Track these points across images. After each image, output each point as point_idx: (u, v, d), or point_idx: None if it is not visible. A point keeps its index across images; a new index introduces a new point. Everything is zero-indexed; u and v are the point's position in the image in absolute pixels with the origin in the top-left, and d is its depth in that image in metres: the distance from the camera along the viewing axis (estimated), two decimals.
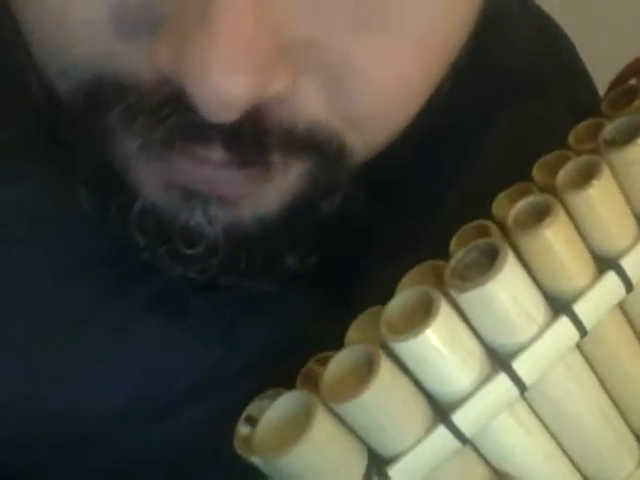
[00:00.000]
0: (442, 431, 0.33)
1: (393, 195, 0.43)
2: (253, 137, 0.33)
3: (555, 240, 0.33)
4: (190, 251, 0.36)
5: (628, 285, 0.34)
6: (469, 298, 0.33)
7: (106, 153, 0.36)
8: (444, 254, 0.35)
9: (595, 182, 0.33)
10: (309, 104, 0.34)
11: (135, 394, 0.42)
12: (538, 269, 0.33)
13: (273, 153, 0.34)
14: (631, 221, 0.34)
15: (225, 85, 0.30)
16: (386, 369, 0.32)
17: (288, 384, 0.37)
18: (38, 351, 0.41)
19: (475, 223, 0.36)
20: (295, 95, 0.33)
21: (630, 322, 0.36)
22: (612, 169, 0.33)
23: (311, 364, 0.38)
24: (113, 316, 0.42)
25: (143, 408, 0.43)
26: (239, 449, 0.37)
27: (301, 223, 0.37)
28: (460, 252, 0.34)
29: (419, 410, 0.34)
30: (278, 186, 0.36)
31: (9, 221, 0.42)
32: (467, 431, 0.34)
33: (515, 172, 0.44)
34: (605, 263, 0.34)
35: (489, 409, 0.34)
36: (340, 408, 0.33)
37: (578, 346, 0.35)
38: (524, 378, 0.34)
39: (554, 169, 0.37)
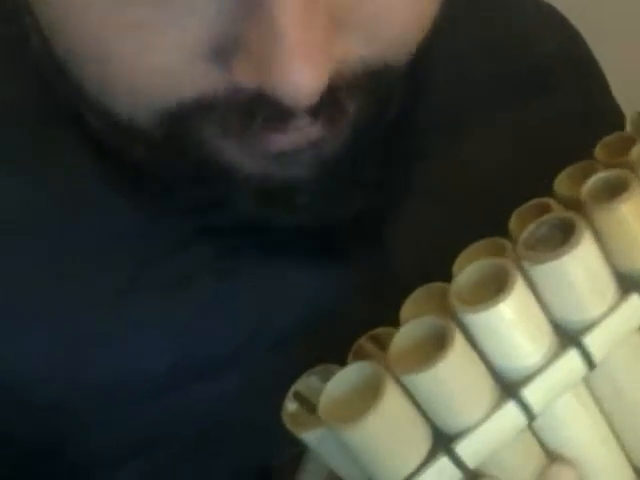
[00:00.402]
0: (511, 407, 0.33)
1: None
2: (330, 100, 0.36)
3: (630, 215, 0.32)
4: (298, 200, 0.40)
5: None
6: (544, 271, 0.32)
7: (202, 163, 0.39)
8: None
9: None
10: (359, 50, 0.37)
11: (178, 357, 0.43)
12: (611, 245, 0.33)
13: (345, 103, 0.38)
14: None
15: (306, 81, 0.33)
16: (459, 342, 0.32)
17: (326, 359, 0.36)
18: (81, 320, 0.42)
19: (535, 201, 0.36)
20: (348, 49, 0.36)
21: None
22: None
23: (363, 341, 0.37)
24: (158, 280, 0.43)
25: (183, 371, 0.43)
26: (288, 425, 0.36)
27: (368, 139, 0.40)
28: (532, 225, 0.34)
29: (488, 385, 0.33)
30: (347, 119, 0.39)
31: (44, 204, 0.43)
32: (535, 407, 0.33)
33: (524, 169, 0.44)
34: None
35: (558, 385, 0.33)
36: (411, 380, 0.32)
37: None
38: (594, 355, 0.33)
39: (616, 151, 0.36)
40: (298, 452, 0.40)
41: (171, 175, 0.41)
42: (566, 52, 0.55)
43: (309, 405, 0.36)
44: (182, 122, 0.37)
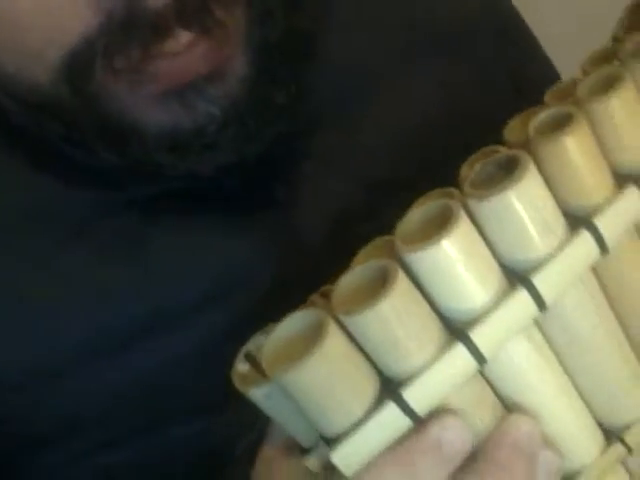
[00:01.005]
0: (459, 350, 0.32)
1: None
2: (196, 6, 0.38)
3: (575, 149, 0.32)
4: (214, 142, 0.41)
5: None
6: (488, 207, 0.31)
7: (105, 107, 0.40)
8: None
9: (619, 92, 0.32)
10: None
11: (107, 322, 0.45)
12: (558, 180, 0.32)
13: (216, 11, 0.39)
14: None
15: None
16: (403, 281, 0.31)
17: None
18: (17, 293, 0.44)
19: (485, 149, 0.35)
20: None
21: None
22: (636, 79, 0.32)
23: (314, 297, 0.36)
24: (86, 246, 0.44)
25: (113, 338, 0.44)
26: (237, 385, 0.35)
27: (270, 60, 0.42)
28: (478, 165, 0.33)
29: (434, 328, 0.32)
30: (237, 40, 0.41)
31: None
32: (485, 350, 0.32)
33: (444, 127, 0.46)
34: (626, 178, 0.33)
35: (508, 327, 0.32)
36: (354, 320, 0.31)
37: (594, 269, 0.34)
38: (544, 295, 0.32)
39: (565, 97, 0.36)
40: (254, 442, 0.39)
41: (85, 142, 0.42)
42: (489, 11, 0.55)
43: (259, 366, 0.35)
44: (77, 69, 0.39)
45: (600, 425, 0.38)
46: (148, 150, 0.42)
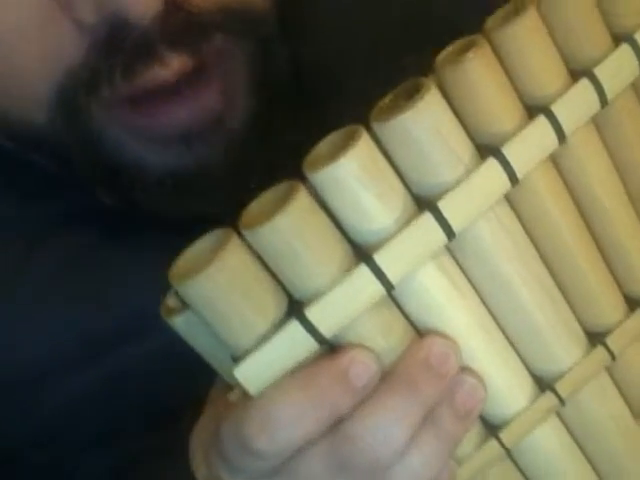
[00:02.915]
0: (363, 272, 0.32)
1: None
2: (188, 23, 0.37)
3: (479, 74, 0.32)
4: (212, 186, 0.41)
5: (560, 134, 0.33)
6: (390, 130, 0.32)
7: (103, 146, 0.40)
8: None
9: (521, 18, 0.32)
10: None
11: (81, 331, 0.45)
12: (464, 107, 0.33)
13: (213, 34, 0.38)
14: (561, 66, 0.34)
15: None
16: (303, 196, 0.32)
17: None
18: None
19: (410, 80, 0.35)
20: None
21: (563, 177, 0.35)
22: (542, 9, 0.33)
23: None
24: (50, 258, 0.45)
25: (89, 345, 0.45)
26: (163, 315, 0.36)
27: (273, 96, 0.41)
28: (389, 95, 0.34)
29: (338, 247, 0.33)
30: (238, 75, 0.40)
31: None
32: (391, 274, 0.32)
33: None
34: (535, 109, 0.33)
35: (415, 252, 0.33)
36: (254, 235, 0.32)
37: (509, 202, 0.34)
38: (451, 221, 0.33)
39: None
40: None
41: (84, 181, 0.43)
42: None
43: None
44: (67, 100, 0.38)
45: (531, 374, 0.38)
46: (148, 192, 0.42)
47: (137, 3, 0.35)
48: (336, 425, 0.33)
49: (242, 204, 0.38)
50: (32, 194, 0.46)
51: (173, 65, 0.38)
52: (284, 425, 0.32)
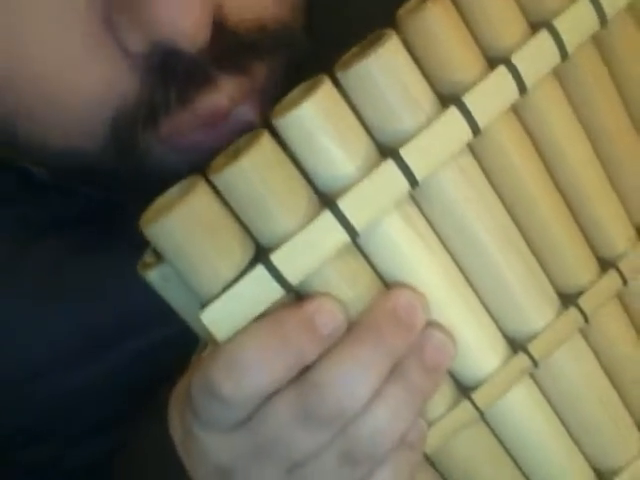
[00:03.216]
0: (327, 218, 0.33)
1: None
2: (234, 44, 0.37)
3: (438, 23, 0.33)
4: None
5: (520, 85, 0.34)
6: (351, 77, 0.33)
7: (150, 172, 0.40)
8: None
9: None
10: (242, 8, 0.38)
11: (64, 339, 0.46)
12: (425, 56, 0.34)
13: (260, 54, 0.39)
14: (520, 17, 0.34)
15: (182, 9, 0.34)
16: (267, 141, 0.32)
17: None
18: None
19: (376, 33, 0.36)
20: (230, 3, 0.37)
21: (526, 129, 0.35)
22: None
23: None
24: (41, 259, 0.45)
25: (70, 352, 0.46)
26: (139, 270, 0.37)
27: None
28: (355, 48, 0.34)
29: (302, 193, 0.33)
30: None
31: None
32: (355, 221, 0.33)
33: None
34: (496, 60, 0.34)
35: (377, 198, 0.33)
36: (220, 179, 0.33)
37: (473, 152, 0.35)
38: (413, 168, 0.33)
39: None
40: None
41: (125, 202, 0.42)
42: None
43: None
44: (123, 134, 0.38)
45: (504, 334, 0.38)
46: None
47: (187, 32, 0.35)
48: (303, 374, 0.34)
49: None
50: (30, 193, 0.47)
51: (227, 88, 0.38)
52: (250, 370, 0.33)
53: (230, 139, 0.36)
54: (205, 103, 0.38)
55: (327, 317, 0.33)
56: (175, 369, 0.39)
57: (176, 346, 0.43)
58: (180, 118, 0.38)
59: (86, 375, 0.47)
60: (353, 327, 0.34)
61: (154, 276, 0.36)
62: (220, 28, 0.36)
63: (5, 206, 0.47)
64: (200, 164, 0.35)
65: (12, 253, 0.46)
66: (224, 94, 0.38)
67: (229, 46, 0.37)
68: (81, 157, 0.40)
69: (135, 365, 0.47)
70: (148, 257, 0.37)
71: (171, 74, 0.36)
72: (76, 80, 0.37)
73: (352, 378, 0.33)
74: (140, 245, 0.42)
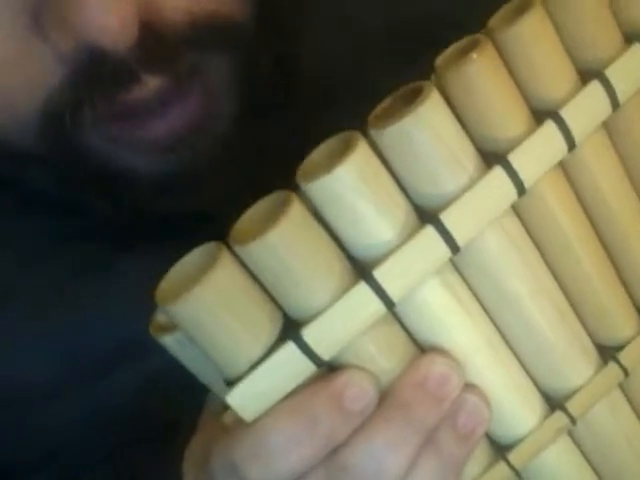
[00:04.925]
0: (363, 289, 0.30)
1: None
2: (161, 44, 0.37)
3: (483, 77, 0.30)
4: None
5: (569, 140, 0.31)
6: (388, 137, 0.30)
7: (92, 160, 0.40)
8: None
9: (527, 17, 0.30)
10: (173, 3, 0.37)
11: (67, 360, 0.45)
12: (467, 112, 0.31)
13: (187, 52, 0.38)
14: (569, 67, 0.32)
15: (108, 10, 0.35)
16: (297, 209, 0.30)
17: None
18: None
19: (410, 84, 0.33)
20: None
21: (572, 186, 0.33)
22: (548, 6, 0.31)
23: None
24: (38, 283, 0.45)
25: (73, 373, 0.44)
26: (152, 332, 0.34)
27: (258, 99, 0.41)
28: (386, 100, 0.32)
29: (335, 263, 0.31)
30: (220, 87, 0.40)
31: None
32: (392, 291, 0.31)
33: None
34: (543, 114, 0.31)
35: (415, 267, 0.31)
36: (246, 251, 0.30)
37: (516, 212, 0.33)
38: (454, 234, 0.31)
39: None
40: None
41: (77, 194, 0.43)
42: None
43: None
44: (52, 124, 0.38)
45: (541, 392, 0.36)
46: (140, 193, 0.42)
47: (112, 34, 0.35)
48: (334, 453, 0.32)
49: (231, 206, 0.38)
50: (32, 211, 0.46)
51: (151, 85, 0.38)
52: (277, 453, 0.31)
53: (168, 134, 0.39)
54: (131, 99, 0.38)
55: (356, 392, 0.31)
56: (173, 400, 0.38)
57: (174, 376, 0.42)
58: (107, 113, 0.38)
59: (83, 400, 0.45)
60: (382, 403, 0.32)
61: (170, 341, 0.34)
62: (149, 26, 0.36)
63: (5, 223, 0.46)
64: (156, 164, 0.38)
65: (12, 273, 0.45)
66: (152, 90, 0.38)
67: (155, 45, 0.37)
68: (16, 150, 0.40)
69: (132, 393, 0.45)
70: (160, 317, 0.35)
71: (97, 72, 0.37)
72: (5, 77, 0.38)
73: (380, 457, 0.31)
74: (143, 265, 0.41)
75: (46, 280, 0.45)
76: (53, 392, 0.45)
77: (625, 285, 0.36)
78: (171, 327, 0.34)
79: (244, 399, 0.31)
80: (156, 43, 0.37)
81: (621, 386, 0.37)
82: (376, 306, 0.31)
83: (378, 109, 0.31)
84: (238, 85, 0.40)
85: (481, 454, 0.35)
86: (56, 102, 0.38)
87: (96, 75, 0.37)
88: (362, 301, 0.30)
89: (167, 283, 0.31)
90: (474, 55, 0.30)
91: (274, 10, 0.41)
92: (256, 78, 0.41)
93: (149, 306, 0.41)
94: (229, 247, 0.31)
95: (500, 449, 0.36)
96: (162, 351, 0.42)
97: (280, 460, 0.31)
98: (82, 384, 0.45)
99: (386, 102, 0.32)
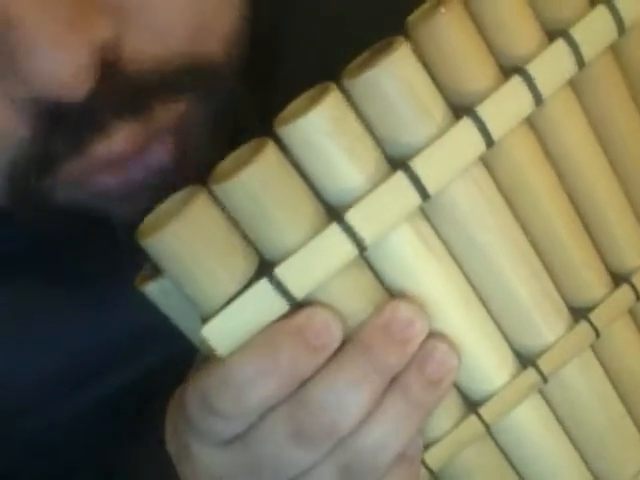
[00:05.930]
0: (335, 231, 0.32)
1: None
2: (128, 88, 0.34)
3: (451, 30, 0.32)
4: None
5: (536, 95, 0.33)
6: (361, 84, 0.32)
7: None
8: None
9: None
10: (143, 42, 0.35)
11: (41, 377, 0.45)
12: (437, 65, 0.32)
13: (156, 97, 0.36)
14: (536, 25, 0.33)
15: (59, 61, 0.32)
16: (272, 151, 0.31)
17: None
18: None
19: (385, 40, 0.35)
20: (124, 41, 0.34)
21: (541, 143, 0.34)
22: None
23: None
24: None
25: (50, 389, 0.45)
26: (136, 283, 0.36)
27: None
28: (363, 54, 0.33)
29: (309, 205, 0.32)
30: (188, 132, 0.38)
31: None
32: (364, 234, 0.32)
33: None
34: (511, 70, 0.33)
35: (386, 211, 0.32)
36: (223, 190, 0.31)
37: (486, 165, 0.34)
38: (424, 181, 0.32)
39: None
40: None
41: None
42: None
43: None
44: (18, 179, 0.37)
45: (513, 349, 0.37)
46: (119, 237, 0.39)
47: (65, 84, 0.32)
48: (298, 389, 0.33)
49: None
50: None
51: (120, 136, 0.36)
52: (244, 385, 0.32)
53: (143, 182, 0.37)
54: (100, 149, 0.35)
55: (318, 326, 0.32)
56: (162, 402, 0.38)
57: (161, 377, 0.42)
58: (78, 164, 0.36)
59: (70, 408, 0.46)
60: (347, 343, 0.33)
61: (153, 289, 0.35)
62: (113, 70, 0.34)
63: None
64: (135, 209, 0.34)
65: None
66: (121, 139, 0.36)
67: (125, 88, 0.34)
68: None
69: (120, 397, 0.46)
70: (146, 271, 0.36)
71: (59, 122, 0.34)
72: None
73: (343, 396, 0.32)
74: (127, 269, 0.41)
75: (26, 287, 0.45)
76: (44, 396, 0.46)
77: (596, 245, 0.37)
78: (153, 276, 0.35)
79: (219, 332, 0.32)
80: (120, 87, 0.34)
81: (593, 349, 0.38)
82: (348, 248, 0.32)
83: (353, 63, 0.33)
84: (216, 129, 0.38)
85: (453, 407, 0.36)
86: (24, 156, 0.36)
87: (59, 124, 0.34)
88: (334, 242, 0.32)
89: (149, 222, 0.32)
90: (442, 9, 0.32)
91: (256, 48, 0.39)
92: (235, 116, 0.38)
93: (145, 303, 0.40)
94: (209, 189, 0.32)
95: (471, 404, 0.37)
96: (148, 352, 0.44)
97: (247, 392, 0.32)
98: (80, 385, 0.46)
99: (362, 57, 0.33)
